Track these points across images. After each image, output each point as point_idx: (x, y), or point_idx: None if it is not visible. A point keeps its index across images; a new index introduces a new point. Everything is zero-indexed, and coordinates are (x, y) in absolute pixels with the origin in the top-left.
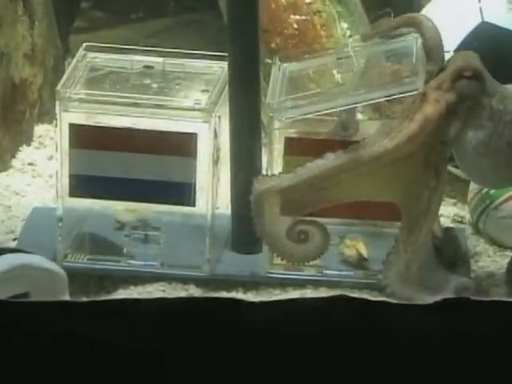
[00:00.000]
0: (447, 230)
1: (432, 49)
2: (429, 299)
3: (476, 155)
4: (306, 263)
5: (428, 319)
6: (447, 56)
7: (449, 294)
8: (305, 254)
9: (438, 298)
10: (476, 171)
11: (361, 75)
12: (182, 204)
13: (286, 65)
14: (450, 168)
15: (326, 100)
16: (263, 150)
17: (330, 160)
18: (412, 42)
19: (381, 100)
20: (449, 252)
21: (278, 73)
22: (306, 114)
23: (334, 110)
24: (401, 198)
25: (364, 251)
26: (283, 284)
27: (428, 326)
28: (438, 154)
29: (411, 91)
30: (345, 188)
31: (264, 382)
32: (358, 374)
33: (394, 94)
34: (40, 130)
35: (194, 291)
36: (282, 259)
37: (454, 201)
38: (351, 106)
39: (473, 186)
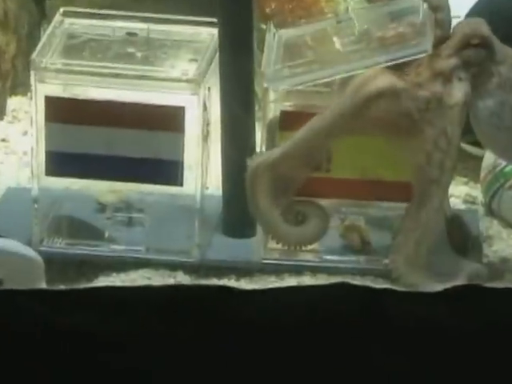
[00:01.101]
0: (457, 211)
1: (438, 9)
2: (438, 286)
3: (491, 128)
4: (303, 247)
5: (437, 308)
6: (456, 22)
7: (459, 281)
8: (301, 237)
9: (448, 285)
10: (495, 145)
11: (363, 39)
12: (169, 184)
13: (282, 31)
14: (462, 144)
15: (325, 67)
16: (257, 124)
17: (317, 120)
18: (418, 2)
19: (386, 64)
20: (459, 236)
21: (272, 40)
22: (304, 83)
23: (335, 77)
24: (411, 160)
25: (367, 235)
26: (279, 271)
27: (436, 315)
28: (447, 117)
29: (419, 53)
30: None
31: (258, 375)
32: (359, 367)
33: (400, 58)
34: (13, 103)
35: (182, 278)
36: (277, 242)
37: (465, 179)
38: (354, 73)
39: (486, 164)
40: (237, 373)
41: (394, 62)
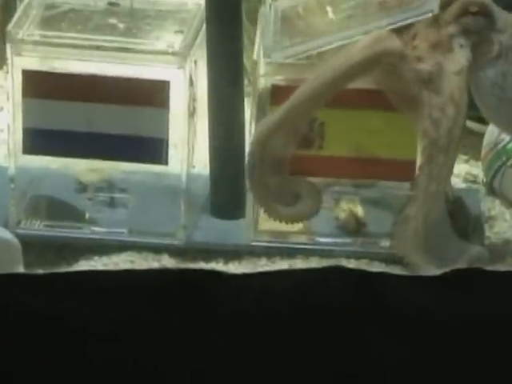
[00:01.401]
0: (458, 191)
1: None
2: (437, 270)
3: (493, 99)
4: (295, 223)
5: (435, 293)
6: None
7: (460, 265)
8: (294, 214)
9: (447, 268)
10: (498, 118)
11: (362, 5)
12: (153, 162)
13: (277, 2)
14: None
15: (326, 35)
16: (246, 100)
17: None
18: None
19: (388, 28)
20: (460, 217)
21: (269, 11)
22: (305, 53)
23: (337, 44)
24: (418, 128)
25: (362, 215)
26: (269, 253)
27: (435, 300)
28: (453, 84)
29: (425, 14)
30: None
31: (248, 361)
32: (354, 355)
33: (405, 19)
34: None
35: (168, 262)
36: (268, 216)
37: (465, 157)
38: (356, 39)
39: (487, 141)
40: (227, 360)
41: (398, 25)
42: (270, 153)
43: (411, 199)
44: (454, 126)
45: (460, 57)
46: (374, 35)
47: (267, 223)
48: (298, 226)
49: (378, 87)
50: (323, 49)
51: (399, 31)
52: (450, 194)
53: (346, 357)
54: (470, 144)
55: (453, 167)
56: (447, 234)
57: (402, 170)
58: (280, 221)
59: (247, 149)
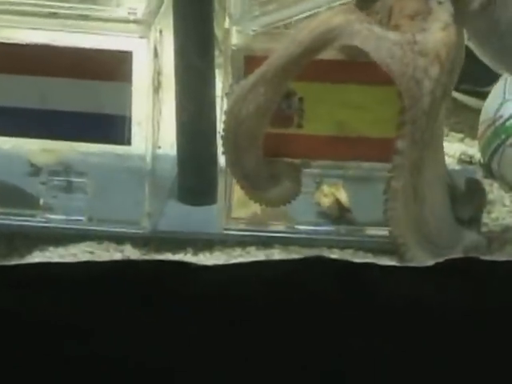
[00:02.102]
0: (454, 172)
1: None
2: (432, 259)
3: (495, 49)
4: (272, 207)
5: (427, 285)
6: None
7: (455, 254)
8: (271, 198)
9: (441, 258)
10: (506, 64)
11: None
12: (114, 142)
13: None
14: (456, 94)
15: (299, 2)
16: (217, 72)
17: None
18: None
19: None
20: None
21: None
22: (277, 22)
23: (311, 12)
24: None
25: (346, 201)
26: (244, 243)
27: (427, 293)
28: (436, 42)
29: None
30: None
31: (222, 359)
32: (338, 351)
33: None
34: None
35: (131, 253)
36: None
37: (460, 136)
38: (330, 6)
39: (484, 117)
40: (199, 357)
41: None
42: (245, 127)
43: (395, 169)
44: (438, 86)
45: (441, 14)
46: (336, 8)
47: (241, 209)
48: (276, 213)
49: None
50: (297, 18)
51: (371, 5)
52: (449, 180)
53: (328, 354)
54: (466, 121)
55: (438, 136)
56: (445, 219)
57: (390, 150)
58: (260, 203)
59: (219, 127)
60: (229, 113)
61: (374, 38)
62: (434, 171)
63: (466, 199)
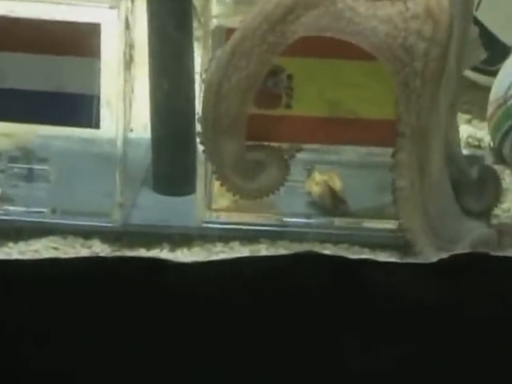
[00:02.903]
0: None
1: None
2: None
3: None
4: (256, 198)
5: (430, 283)
6: None
7: (462, 249)
8: (254, 187)
9: (446, 254)
10: None
11: None
12: (81, 125)
13: None
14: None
15: None
16: (196, 45)
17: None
18: None
19: None
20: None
21: None
22: None
23: None
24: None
25: (340, 190)
26: (226, 237)
27: (429, 292)
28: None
29: None
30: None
31: (204, 365)
32: (331, 358)
33: None
34: None
35: (100, 249)
36: (226, 190)
37: (467, 116)
38: None
39: (494, 96)
40: (178, 360)
41: None
42: (225, 107)
43: (398, 139)
44: (432, 46)
45: None
46: None
47: (223, 200)
48: (262, 204)
49: None
50: None
51: None
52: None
53: (320, 359)
54: (474, 100)
55: (436, 103)
56: (450, 209)
57: (389, 133)
58: (240, 196)
59: (198, 107)
60: (207, 90)
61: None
62: (440, 149)
63: (477, 189)
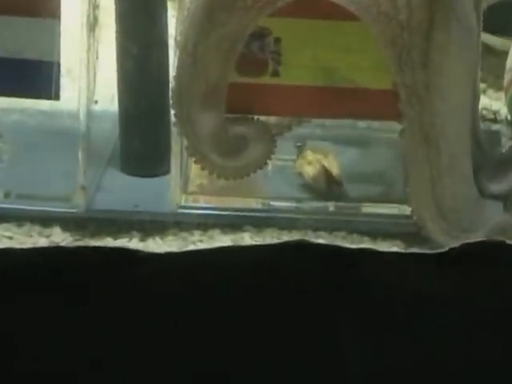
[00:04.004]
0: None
1: None
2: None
3: None
4: (238, 178)
5: (437, 276)
6: None
7: (478, 236)
8: (236, 166)
9: (459, 241)
10: None
11: None
12: (39, 96)
13: None
14: None
15: None
16: (170, 5)
17: None
18: None
19: None
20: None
21: None
22: None
23: None
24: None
25: (336, 170)
26: (205, 224)
27: (436, 286)
28: None
29: None
30: None
31: (176, 365)
32: (326, 354)
33: None
34: None
35: (60, 238)
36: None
37: (482, 86)
38: None
39: None
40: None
41: None
42: (203, 72)
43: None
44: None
45: None
46: None
47: (201, 181)
48: (247, 186)
49: None
50: None
51: None
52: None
53: (313, 354)
54: (488, 67)
55: (432, 59)
56: (467, 191)
57: (392, 105)
58: (217, 175)
59: (172, 74)
60: (181, 51)
61: None
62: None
63: (501, 170)
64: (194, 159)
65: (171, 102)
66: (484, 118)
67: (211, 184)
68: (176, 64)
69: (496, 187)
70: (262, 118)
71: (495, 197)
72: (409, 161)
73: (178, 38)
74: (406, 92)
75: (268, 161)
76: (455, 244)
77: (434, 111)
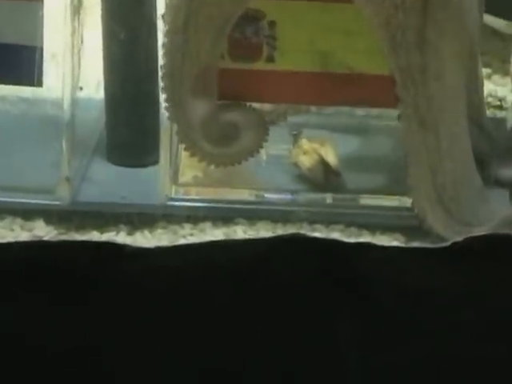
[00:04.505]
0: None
1: None
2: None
3: None
4: (228, 165)
5: (438, 272)
6: None
7: (484, 230)
8: (226, 153)
9: (463, 235)
10: None
11: None
12: (20, 83)
13: None
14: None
15: None
16: None
17: None
18: None
19: None
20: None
21: None
22: None
23: None
24: None
25: (334, 160)
26: (196, 217)
27: (438, 283)
28: None
29: None
30: None
31: (168, 363)
32: (323, 353)
33: None
34: None
35: (44, 232)
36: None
37: (487, 71)
38: None
39: None
40: (142, 359)
41: None
42: (194, 53)
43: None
44: None
45: None
46: None
47: (192, 172)
48: (239, 177)
49: None
50: None
51: None
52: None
53: (308, 352)
54: (494, 51)
55: (427, 41)
56: (469, 181)
57: (391, 91)
58: (208, 163)
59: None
60: (169, 31)
61: None
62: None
63: (508, 157)
64: (184, 146)
65: (161, 85)
66: (489, 105)
67: (202, 175)
68: (164, 43)
69: (503, 174)
70: (256, 105)
71: (502, 184)
72: (407, 147)
73: (166, 16)
74: (400, 75)
75: (260, 149)
76: (458, 238)
77: (430, 94)
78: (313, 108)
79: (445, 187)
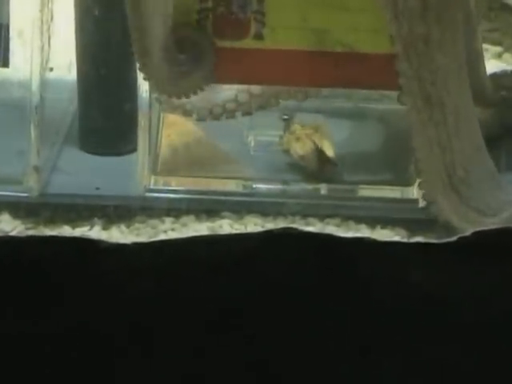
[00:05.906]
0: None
1: None
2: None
3: None
4: (181, 97)
5: (442, 270)
6: None
7: (494, 223)
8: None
9: (471, 229)
10: None
11: None
12: None
13: None
14: None
15: None
16: None
17: None
18: None
19: None
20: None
21: None
22: None
23: None
24: None
25: (329, 147)
26: (177, 210)
27: (441, 281)
28: None
29: None
30: None
31: (153, 366)
32: (316, 358)
33: None
34: None
35: (10, 226)
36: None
37: (497, 49)
38: None
39: None
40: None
41: None
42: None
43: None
44: None
45: None
46: None
47: (172, 160)
48: (225, 166)
49: None
50: None
51: None
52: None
53: (303, 356)
54: (505, 27)
55: (429, 9)
56: (483, 168)
57: (392, 72)
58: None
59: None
60: None
61: None
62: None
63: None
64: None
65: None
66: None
67: (184, 163)
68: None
69: None
70: (244, 87)
71: None
72: (413, 126)
73: None
74: (403, 45)
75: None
76: (467, 228)
77: (435, 66)
78: (308, 91)
79: (454, 167)
